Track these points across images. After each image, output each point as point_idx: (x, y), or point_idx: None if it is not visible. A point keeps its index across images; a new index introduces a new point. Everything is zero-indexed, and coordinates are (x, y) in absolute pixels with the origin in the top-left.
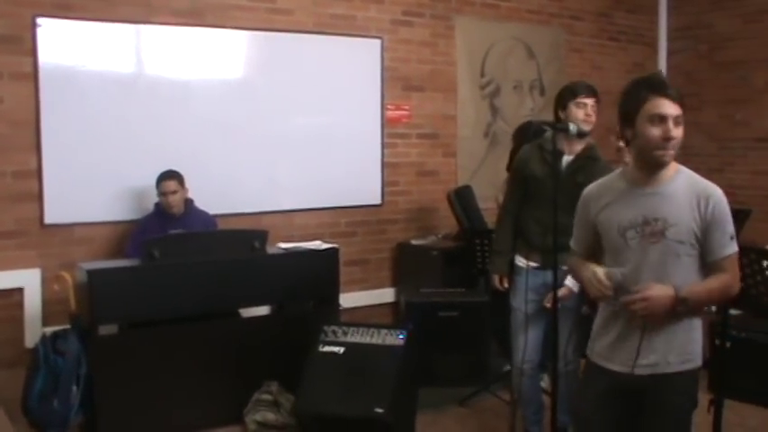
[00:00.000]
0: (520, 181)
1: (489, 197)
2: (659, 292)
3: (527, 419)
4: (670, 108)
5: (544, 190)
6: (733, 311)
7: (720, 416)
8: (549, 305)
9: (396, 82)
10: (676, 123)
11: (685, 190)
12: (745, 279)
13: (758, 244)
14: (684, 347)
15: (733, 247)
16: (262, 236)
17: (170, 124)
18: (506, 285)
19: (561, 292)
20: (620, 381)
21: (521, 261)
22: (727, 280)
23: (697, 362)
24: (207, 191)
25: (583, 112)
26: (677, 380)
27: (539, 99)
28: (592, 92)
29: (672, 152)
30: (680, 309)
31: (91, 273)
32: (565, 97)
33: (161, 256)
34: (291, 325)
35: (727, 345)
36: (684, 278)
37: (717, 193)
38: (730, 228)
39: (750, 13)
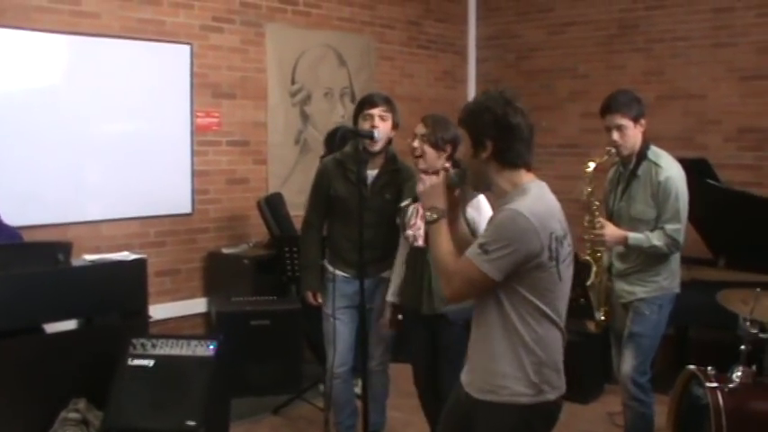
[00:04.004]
0: (323, 198)
1: (301, 204)
2: (436, 187)
3: (341, 425)
4: None
5: (352, 209)
6: None
7: None
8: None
9: (205, 89)
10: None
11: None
12: None
13: None
14: (487, 377)
15: (473, 254)
16: (65, 248)
17: None
18: (320, 300)
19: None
20: (462, 394)
21: (332, 270)
22: (451, 265)
23: (503, 397)
24: (7, 201)
25: (369, 124)
26: (481, 408)
27: (349, 106)
28: (375, 102)
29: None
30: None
31: None
32: (355, 113)
33: None
34: (99, 339)
35: None
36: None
37: (504, 208)
38: (487, 240)
39: (554, 25)
